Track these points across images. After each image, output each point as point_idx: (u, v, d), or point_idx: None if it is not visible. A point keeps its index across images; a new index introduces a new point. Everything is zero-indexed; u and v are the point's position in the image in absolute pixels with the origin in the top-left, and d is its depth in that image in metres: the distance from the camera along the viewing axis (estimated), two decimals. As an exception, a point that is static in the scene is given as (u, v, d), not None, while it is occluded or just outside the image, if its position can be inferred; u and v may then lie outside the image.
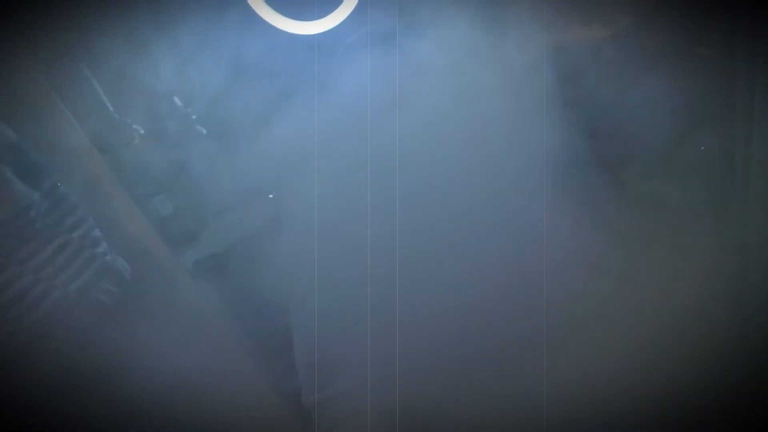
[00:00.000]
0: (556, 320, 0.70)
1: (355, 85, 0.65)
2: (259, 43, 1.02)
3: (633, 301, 0.76)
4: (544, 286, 0.69)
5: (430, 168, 0.62)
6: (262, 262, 1.23)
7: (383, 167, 0.60)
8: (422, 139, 0.61)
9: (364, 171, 0.61)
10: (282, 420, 0.75)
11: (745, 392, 0.81)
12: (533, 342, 0.70)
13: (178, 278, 0.66)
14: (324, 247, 0.71)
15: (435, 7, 0.61)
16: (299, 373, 0.56)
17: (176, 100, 1.07)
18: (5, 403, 0.40)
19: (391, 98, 0.60)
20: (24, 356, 0.36)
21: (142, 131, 0.97)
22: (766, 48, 0.75)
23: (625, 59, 0.88)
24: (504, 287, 0.68)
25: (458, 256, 0.65)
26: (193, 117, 1.09)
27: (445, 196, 0.61)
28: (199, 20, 1.18)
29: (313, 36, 1.39)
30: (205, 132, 1.10)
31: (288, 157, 0.69)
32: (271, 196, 1.10)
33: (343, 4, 1.44)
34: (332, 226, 0.70)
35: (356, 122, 0.64)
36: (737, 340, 0.89)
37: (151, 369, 0.57)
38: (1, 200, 0.37)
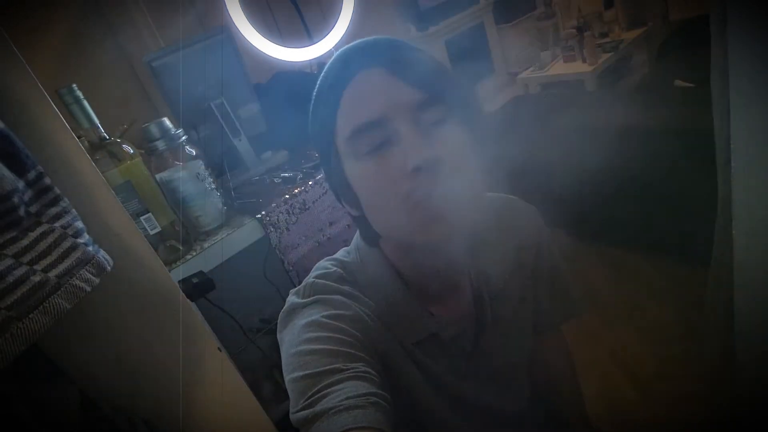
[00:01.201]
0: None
1: None
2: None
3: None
4: None
5: None
6: (249, 281, 1.22)
7: None
8: None
9: None
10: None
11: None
12: None
13: (163, 285, 0.65)
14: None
15: None
16: (287, 388, 0.55)
17: (166, 121, 1.09)
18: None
19: None
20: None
21: (132, 150, 0.97)
22: (739, 79, 0.79)
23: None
24: None
25: None
26: (183, 138, 1.10)
27: None
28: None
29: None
30: (194, 153, 1.11)
31: None
32: (258, 216, 1.11)
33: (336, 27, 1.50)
34: None
35: None
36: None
37: (127, 371, 0.55)
38: None
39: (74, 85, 0.89)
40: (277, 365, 0.62)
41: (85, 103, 0.91)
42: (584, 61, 3.43)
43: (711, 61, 0.97)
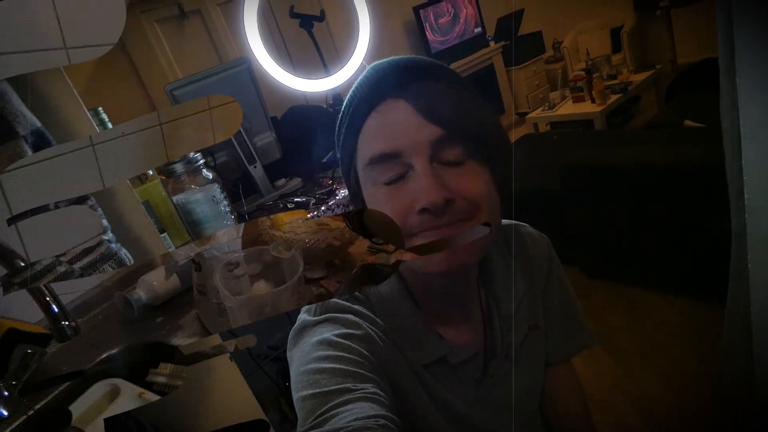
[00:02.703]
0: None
1: None
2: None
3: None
4: None
5: None
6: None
7: None
8: None
9: None
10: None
11: None
12: None
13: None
14: None
15: None
16: (295, 407, 0.54)
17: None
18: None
19: None
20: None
21: (151, 172, 1.00)
22: (749, 115, 0.80)
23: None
24: None
25: None
26: (200, 162, 1.13)
27: None
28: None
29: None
30: (210, 177, 1.13)
31: None
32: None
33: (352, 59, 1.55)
34: None
35: None
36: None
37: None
38: None
39: (100, 108, 0.93)
40: (284, 394, 0.61)
41: (110, 125, 0.94)
42: (593, 101, 3.49)
43: (720, 88, 0.98)
